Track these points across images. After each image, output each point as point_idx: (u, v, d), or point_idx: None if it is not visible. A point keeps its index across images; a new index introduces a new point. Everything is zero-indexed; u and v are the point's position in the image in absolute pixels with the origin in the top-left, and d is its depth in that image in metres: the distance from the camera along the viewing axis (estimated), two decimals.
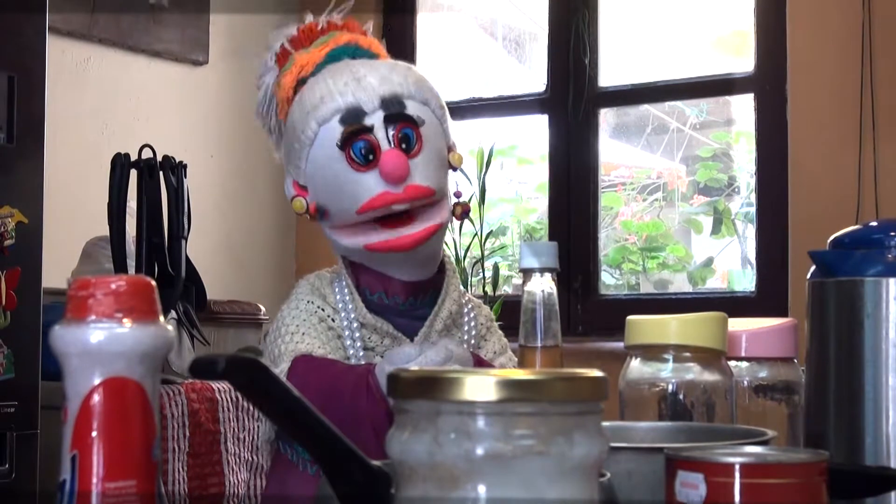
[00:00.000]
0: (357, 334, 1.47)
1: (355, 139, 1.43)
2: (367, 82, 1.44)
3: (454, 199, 1.55)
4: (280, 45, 1.55)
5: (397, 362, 1.36)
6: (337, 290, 1.50)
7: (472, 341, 1.53)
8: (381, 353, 1.48)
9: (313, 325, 1.48)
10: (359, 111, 1.44)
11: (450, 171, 1.53)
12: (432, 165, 1.46)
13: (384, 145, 1.43)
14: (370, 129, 1.43)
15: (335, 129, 1.44)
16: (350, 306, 1.48)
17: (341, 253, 1.51)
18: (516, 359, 1.56)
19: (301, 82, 1.51)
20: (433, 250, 1.50)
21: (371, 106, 1.44)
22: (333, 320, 1.48)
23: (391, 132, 1.43)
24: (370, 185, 1.43)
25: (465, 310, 1.55)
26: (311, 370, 1.40)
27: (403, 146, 1.44)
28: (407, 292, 1.49)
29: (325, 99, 1.44)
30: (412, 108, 1.46)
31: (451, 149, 1.53)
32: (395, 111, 1.44)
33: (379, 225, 1.45)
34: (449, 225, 1.55)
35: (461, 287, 1.57)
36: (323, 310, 1.49)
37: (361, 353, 1.47)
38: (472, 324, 1.55)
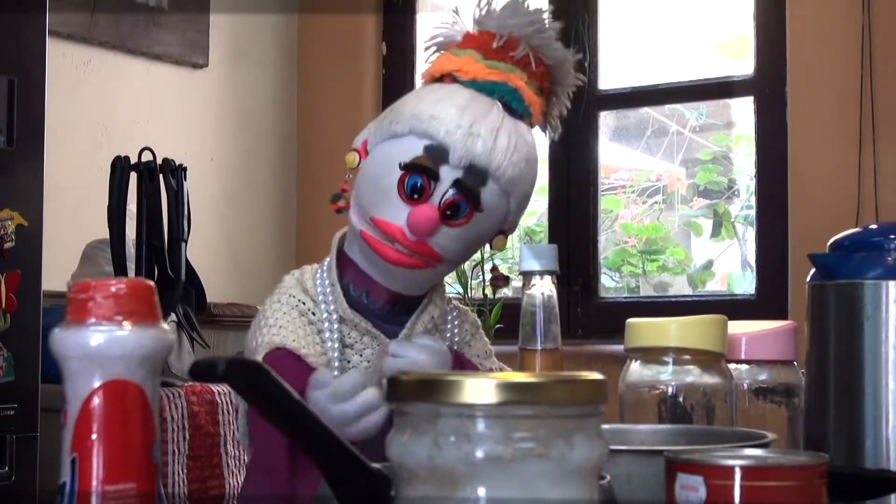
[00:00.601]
0: (335, 326, 1.46)
1: (417, 173, 1.41)
2: (474, 142, 1.40)
3: (489, 274, 1.54)
4: (469, 32, 1.49)
5: (316, 386, 1.34)
6: (318, 281, 1.49)
7: (455, 347, 1.53)
8: (359, 352, 1.47)
9: (293, 318, 1.47)
10: (444, 156, 1.40)
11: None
12: (461, 242, 1.43)
13: (434, 199, 1.40)
14: (436, 178, 1.40)
15: (416, 149, 1.41)
16: (330, 297, 1.48)
17: (347, 228, 1.51)
18: (503, 365, 1.57)
19: (451, 77, 1.47)
20: (419, 280, 1.48)
21: (457, 162, 1.40)
22: (314, 313, 1.48)
23: (448, 195, 1.40)
24: (396, 214, 1.41)
25: (450, 316, 1.54)
26: (275, 367, 1.40)
27: (448, 213, 1.42)
28: (386, 299, 1.48)
29: (434, 119, 1.41)
30: (488, 192, 1.41)
31: (503, 232, 1.51)
32: (469, 183, 1.40)
33: None
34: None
35: (446, 294, 1.56)
36: (304, 303, 1.49)
37: (337, 349, 1.46)
38: (456, 330, 1.54)
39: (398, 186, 1.41)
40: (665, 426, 1.26)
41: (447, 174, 1.40)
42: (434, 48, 1.54)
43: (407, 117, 1.43)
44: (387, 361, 1.40)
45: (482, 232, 1.46)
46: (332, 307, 1.47)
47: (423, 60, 1.56)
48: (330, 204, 1.51)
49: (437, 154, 1.40)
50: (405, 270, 1.44)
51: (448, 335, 1.53)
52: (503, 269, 3.59)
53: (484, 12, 1.51)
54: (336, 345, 1.46)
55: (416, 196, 1.40)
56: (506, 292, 3.56)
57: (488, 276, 1.58)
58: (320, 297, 1.48)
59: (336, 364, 1.45)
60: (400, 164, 1.41)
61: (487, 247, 1.54)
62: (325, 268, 1.50)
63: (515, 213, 1.48)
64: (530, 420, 0.69)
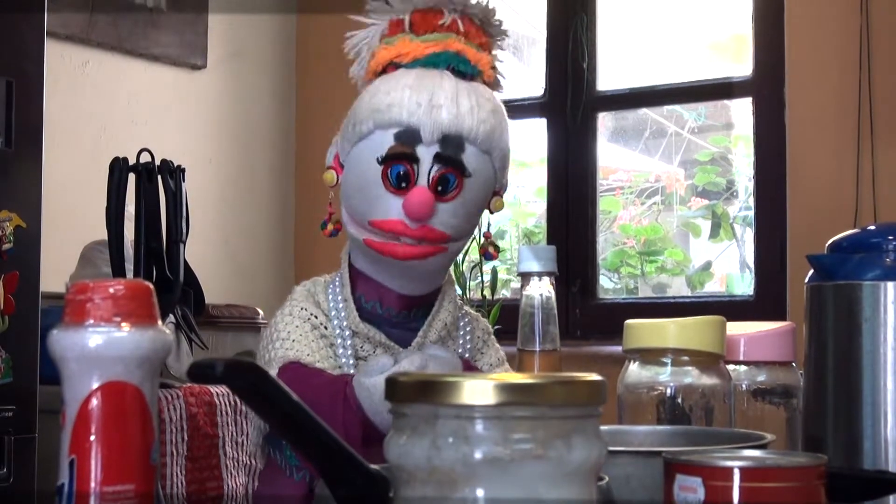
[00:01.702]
0: (349, 342, 1.46)
1: (397, 162, 1.41)
2: (438, 113, 1.40)
3: (482, 239, 1.53)
4: (401, 17, 1.48)
5: (372, 373, 1.34)
6: (331, 295, 1.49)
7: (467, 354, 1.52)
8: None
9: (305, 332, 1.47)
10: (416, 136, 1.40)
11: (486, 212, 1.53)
12: (461, 214, 1.43)
13: (421, 180, 1.41)
14: (416, 160, 1.40)
15: (387, 141, 1.41)
16: (343, 314, 1.47)
17: (349, 243, 1.51)
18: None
19: (393, 66, 1.47)
20: (432, 270, 1.47)
21: (430, 138, 1.40)
22: (326, 328, 1.47)
23: (434, 172, 1.40)
24: (390, 209, 1.41)
25: (462, 322, 1.54)
26: (294, 380, 1.39)
27: (439, 188, 1.42)
28: (401, 304, 1.48)
29: (393, 108, 1.41)
30: (469, 156, 1.42)
31: (497, 192, 1.51)
32: (448, 154, 1.40)
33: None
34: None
35: (458, 300, 1.55)
36: (316, 317, 1.48)
37: (353, 362, 1.46)
38: (468, 336, 1.53)
39: (383, 182, 1.41)
40: (663, 427, 1.26)
41: (425, 153, 1.40)
42: (360, 50, 1.54)
43: (367, 115, 1.43)
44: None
45: (477, 198, 1.45)
46: (344, 322, 1.46)
47: (350, 62, 1.55)
48: (322, 231, 1.51)
49: (408, 137, 1.40)
50: (420, 263, 1.43)
51: (461, 342, 1.52)
52: (502, 271, 3.60)
53: None
54: (351, 360, 1.46)
55: (403, 185, 1.40)
56: (504, 293, 3.57)
57: (483, 243, 1.56)
58: (332, 313, 1.47)
59: None
60: (377, 160, 1.41)
61: (486, 249, 1.53)
62: (337, 283, 1.50)
63: (501, 169, 1.48)
64: (529, 421, 0.69)
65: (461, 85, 1.44)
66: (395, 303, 1.47)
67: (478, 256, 3.12)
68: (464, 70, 1.47)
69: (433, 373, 1.32)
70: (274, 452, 1.50)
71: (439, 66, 1.46)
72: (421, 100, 1.41)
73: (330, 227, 1.50)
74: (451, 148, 1.41)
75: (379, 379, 1.32)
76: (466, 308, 1.57)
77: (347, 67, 1.56)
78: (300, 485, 1.46)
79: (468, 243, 1.53)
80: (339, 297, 1.48)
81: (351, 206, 1.46)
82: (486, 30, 1.51)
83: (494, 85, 1.53)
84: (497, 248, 1.56)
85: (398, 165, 1.40)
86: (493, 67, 1.51)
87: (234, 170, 3.89)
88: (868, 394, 1.23)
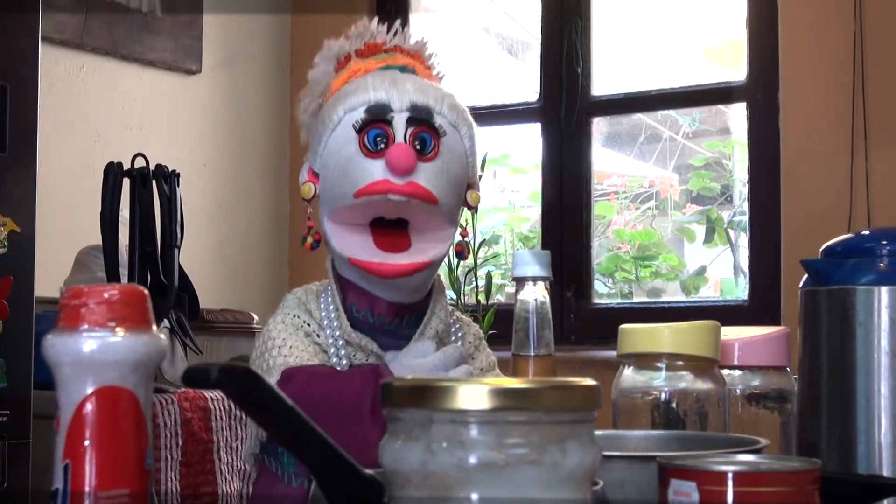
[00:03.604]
0: (343, 352, 1.46)
1: (372, 126, 1.44)
2: (402, 86, 1.45)
3: (458, 238, 1.55)
4: (345, 52, 1.54)
5: (415, 356, 1.36)
6: (322, 305, 1.49)
7: None
8: None
9: (300, 339, 1.47)
10: (385, 107, 1.44)
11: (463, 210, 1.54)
12: (443, 178, 1.45)
13: (398, 138, 1.43)
14: (389, 122, 1.44)
15: (358, 117, 1.45)
16: (335, 323, 1.47)
17: (332, 256, 1.51)
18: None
19: None
20: (422, 282, 1.48)
21: (399, 105, 1.44)
22: (318, 336, 1.48)
23: (409, 130, 1.44)
24: (374, 171, 1.42)
25: (453, 329, 1.54)
26: (313, 375, 1.40)
27: (417, 146, 1.44)
28: (393, 313, 1.48)
29: (359, 91, 1.46)
30: (439, 121, 1.46)
31: (471, 186, 1.53)
32: (420, 116, 1.45)
33: (373, 239, 1.45)
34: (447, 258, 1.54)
35: (448, 306, 1.56)
36: (308, 325, 1.48)
37: (346, 367, 1.46)
38: (460, 343, 1.54)
39: (361, 150, 1.44)
40: (658, 432, 1.26)
41: (398, 119, 1.44)
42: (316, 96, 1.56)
43: (335, 108, 1.47)
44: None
45: (454, 168, 1.47)
46: (336, 332, 1.47)
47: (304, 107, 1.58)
48: (303, 245, 1.52)
49: (379, 108, 1.45)
50: (406, 280, 1.44)
51: None
52: (497, 276, 3.60)
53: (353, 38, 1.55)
54: (345, 365, 1.46)
55: (381, 146, 1.43)
56: (499, 298, 3.57)
57: (459, 241, 1.59)
58: (325, 322, 1.48)
59: None
60: (353, 127, 1.44)
61: (477, 251, 1.54)
62: (329, 292, 1.50)
63: (471, 155, 1.51)
64: (523, 426, 0.69)
65: (415, 77, 1.50)
66: (387, 311, 1.47)
67: (471, 261, 3.13)
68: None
69: (432, 377, 1.33)
70: (270, 461, 1.49)
71: None
72: (384, 80, 1.47)
73: (310, 239, 1.52)
74: (420, 112, 1.45)
75: (422, 361, 1.34)
76: (458, 314, 1.57)
77: None
78: (299, 491, 1.45)
79: (450, 247, 1.53)
80: (332, 307, 1.48)
81: (334, 197, 1.47)
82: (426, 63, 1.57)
83: None
84: (469, 250, 1.59)
85: (374, 129, 1.44)
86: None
87: (228, 175, 3.89)
88: (862, 398, 1.23)
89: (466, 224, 1.58)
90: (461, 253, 1.57)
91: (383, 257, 1.42)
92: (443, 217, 1.46)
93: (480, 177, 1.58)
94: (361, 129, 1.44)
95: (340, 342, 1.46)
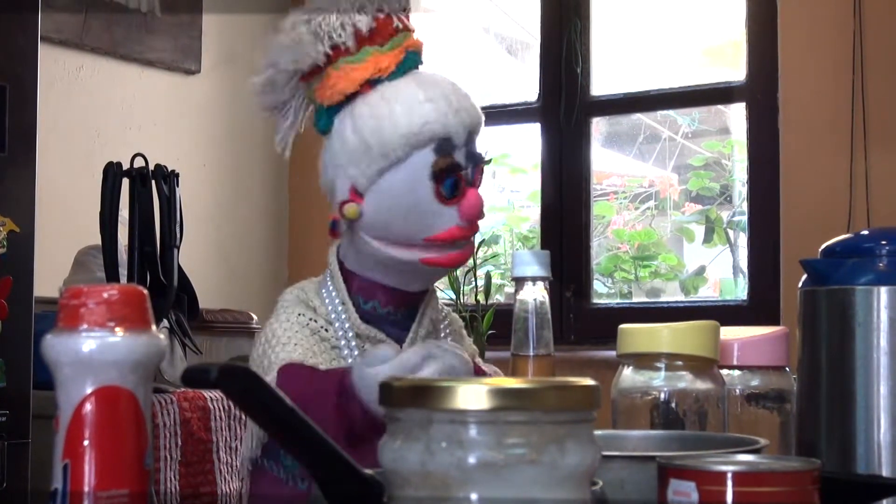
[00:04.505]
0: (353, 343, 1.47)
1: (448, 175, 1.43)
2: (459, 116, 1.44)
3: None
4: (351, 31, 1.46)
5: (374, 362, 1.34)
6: (327, 299, 1.49)
7: None
8: None
9: (305, 336, 1.47)
10: (451, 144, 1.43)
11: None
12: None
13: (469, 182, 1.46)
14: (461, 167, 1.44)
15: (428, 158, 1.42)
16: (343, 316, 1.48)
17: (340, 248, 1.51)
18: (492, 366, 1.58)
19: (369, 84, 1.46)
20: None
21: (460, 140, 1.44)
22: (326, 331, 1.48)
23: (472, 171, 1.46)
24: (447, 219, 1.44)
25: (441, 315, 1.57)
26: (294, 376, 1.39)
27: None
28: (398, 302, 1.49)
29: (427, 127, 1.42)
30: (479, 145, 1.49)
31: None
32: (473, 150, 1.46)
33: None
34: None
35: (436, 296, 1.59)
36: (315, 321, 1.48)
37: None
38: (448, 330, 1.56)
39: (436, 197, 1.43)
40: (657, 432, 1.26)
41: (460, 156, 1.45)
42: (291, 70, 1.52)
43: (400, 141, 1.42)
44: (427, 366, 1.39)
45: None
46: (346, 325, 1.47)
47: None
48: (330, 233, 1.52)
49: (447, 148, 1.43)
50: None
51: (442, 335, 1.54)
52: (496, 276, 3.60)
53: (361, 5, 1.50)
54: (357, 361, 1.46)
55: (456, 192, 1.44)
56: (498, 298, 3.57)
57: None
58: (332, 317, 1.48)
59: None
60: (428, 177, 1.42)
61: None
62: (330, 287, 1.50)
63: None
64: (523, 426, 0.69)
65: (449, 83, 1.49)
66: (394, 301, 1.48)
67: (471, 261, 3.13)
68: (419, 62, 1.51)
69: (430, 377, 1.33)
70: (270, 464, 1.49)
71: (411, 68, 1.48)
72: (445, 109, 1.44)
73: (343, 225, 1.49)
74: (472, 144, 1.47)
75: (381, 368, 1.33)
76: (441, 304, 1.59)
77: None
78: (304, 494, 1.45)
79: None
80: (337, 300, 1.48)
81: (392, 231, 1.45)
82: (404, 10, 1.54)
83: None
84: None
85: (451, 178, 1.43)
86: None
87: (228, 175, 3.89)
88: (861, 398, 1.23)
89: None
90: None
91: (448, 250, 1.46)
92: None
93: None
94: (436, 177, 1.42)
95: (350, 334, 1.47)
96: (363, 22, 1.47)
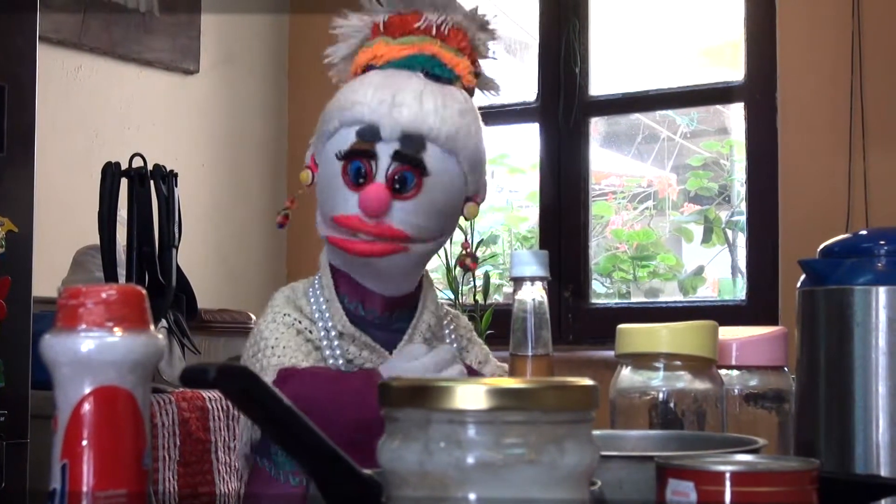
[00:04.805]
0: (336, 343, 1.46)
1: (355, 158, 1.43)
2: (400, 112, 1.42)
3: (462, 251, 1.57)
4: (382, 18, 1.50)
5: (407, 359, 1.36)
6: (312, 299, 1.49)
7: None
8: (360, 366, 1.46)
9: (292, 337, 1.46)
10: (376, 133, 1.43)
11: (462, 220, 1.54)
12: (421, 214, 1.44)
13: (378, 177, 1.42)
14: (373, 156, 1.43)
15: (350, 137, 1.44)
16: (327, 314, 1.47)
17: (333, 251, 1.51)
18: (503, 365, 1.57)
19: (370, 68, 1.49)
20: (402, 270, 1.48)
21: (390, 134, 1.42)
22: (311, 332, 1.47)
23: (391, 169, 1.42)
24: (350, 204, 1.44)
25: (444, 321, 1.55)
26: (310, 375, 1.40)
27: (397, 186, 1.43)
28: (383, 306, 1.48)
29: (357, 107, 1.44)
30: (430, 155, 1.43)
31: (470, 199, 1.52)
32: (407, 152, 1.42)
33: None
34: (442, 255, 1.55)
35: (438, 300, 1.56)
36: (300, 322, 1.48)
37: (341, 363, 1.46)
38: (453, 336, 1.54)
39: (343, 177, 1.44)
40: (656, 432, 1.26)
41: (384, 150, 1.43)
42: (342, 52, 1.56)
43: (334, 113, 1.46)
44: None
45: (440, 199, 1.46)
46: (329, 324, 1.46)
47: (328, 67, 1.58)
48: (279, 219, 1.54)
49: (369, 134, 1.43)
50: (380, 261, 1.44)
51: (447, 342, 1.53)
52: (494, 276, 3.60)
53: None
54: (340, 362, 1.45)
55: (361, 181, 1.43)
56: (497, 298, 3.57)
57: (461, 255, 1.59)
58: (316, 315, 1.48)
59: None
60: (337, 156, 1.44)
61: (475, 251, 1.55)
62: (317, 285, 1.50)
63: (472, 173, 1.49)
64: (521, 426, 0.69)
65: (431, 86, 1.46)
66: (377, 304, 1.48)
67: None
68: (439, 74, 1.48)
69: (429, 377, 1.33)
70: (262, 461, 1.49)
71: (413, 68, 1.47)
72: (384, 97, 1.43)
73: (279, 217, 1.53)
74: (410, 146, 1.43)
75: (411, 364, 1.34)
76: (447, 308, 1.58)
77: None
78: (298, 489, 1.45)
79: (441, 247, 1.54)
80: (322, 299, 1.48)
81: (320, 202, 1.50)
82: (468, 31, 1.52)
83: (481, 87, 1.54)
84: (475, 260, 1.58)
85: (356, 161, 1.43)
86: (475, 73, 1.52)
87: (226, 174, 3.89)
88: (860, 398, 1.23)
89: (466, 235, 1.59)
90: (465, 266, 1.58)
91: (357, 237, 1.44)
92: (420, 251, 1.48)
93: (482, 194, 1.57)
94: (344, 158, 1.44)
95: (333, 334, 1.46)
96: (382, 12, 1.51)
